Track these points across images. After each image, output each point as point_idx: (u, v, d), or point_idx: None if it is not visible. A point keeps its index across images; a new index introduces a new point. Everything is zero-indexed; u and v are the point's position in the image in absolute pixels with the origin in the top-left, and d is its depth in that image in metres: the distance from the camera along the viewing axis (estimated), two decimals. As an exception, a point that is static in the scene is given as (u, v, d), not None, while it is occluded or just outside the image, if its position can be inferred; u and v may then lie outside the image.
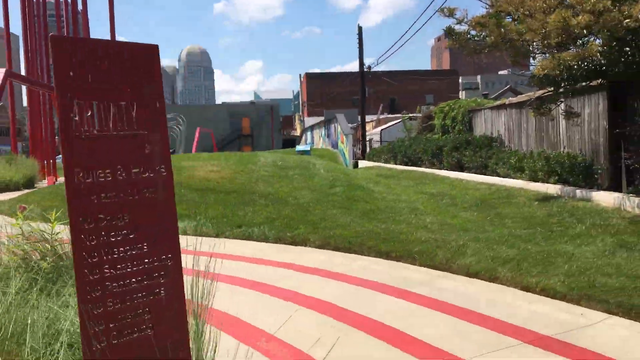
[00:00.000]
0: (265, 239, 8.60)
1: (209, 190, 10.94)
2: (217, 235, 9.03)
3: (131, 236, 2.25)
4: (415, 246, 7.49)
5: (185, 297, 3.63)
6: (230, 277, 6.66)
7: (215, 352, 3.31)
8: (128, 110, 2.29)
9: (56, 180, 26.62)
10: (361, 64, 37.12)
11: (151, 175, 2.35)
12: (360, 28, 37.59)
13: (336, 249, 7.92)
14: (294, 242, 8.37)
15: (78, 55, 2.14)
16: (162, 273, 2.34)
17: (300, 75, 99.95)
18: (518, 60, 11.06)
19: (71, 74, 2.11)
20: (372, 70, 41.39)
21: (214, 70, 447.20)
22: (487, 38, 10.33)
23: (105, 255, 2.16)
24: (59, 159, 34.65)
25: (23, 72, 32.85)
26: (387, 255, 7.46)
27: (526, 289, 6.01)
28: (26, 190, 16.77)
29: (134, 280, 2.25)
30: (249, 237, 8.79)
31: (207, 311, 3.55)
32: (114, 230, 2.20)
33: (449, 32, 10.81)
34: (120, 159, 2.25)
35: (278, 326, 5.00)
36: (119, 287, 2.20)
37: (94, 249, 2.13)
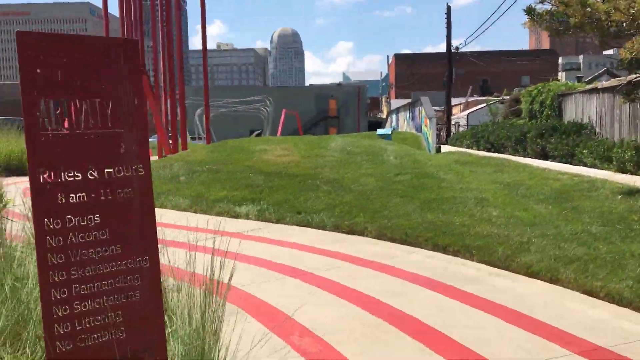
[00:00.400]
0: (323, 227, 8.51)
1: (275, 174, 10.98)
2: (277, 221, 9.05)
3: (102, 237, 2.20)
4: (474, 241, 7.12)
5: (227, 284, 3.61)
6: (278, 264, 6.62)
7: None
8: (102, 107, 2.22)
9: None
10: (449, 44, 35.98)
11: (127, 175, 2.28)
12: (449, 7, 36.37)
13: (392, 240, 7.69)
14: (350, 231, 8.22)
15: (47, 52, 2.09)
16: (137, 275, 2.28)
17: (387, 56, 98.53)
18: (606, 41, 10.17)
19: (38, 70, 2.06)
20: (463, 50, 40.07)
21: (304, 52, 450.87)
22: (570, 18, 9.56)
23: (72, 256, 2.12)
24: (152, 140, 36.34)
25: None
26: (444, 249, 7.15)
27: (589, 293, 5.54)
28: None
29: (104, 282, 2.20)
30: (307, 224, 8.73)
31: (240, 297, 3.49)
32: (83, 231, 2.15)
33: (529, 11, 10.10)
34: (92, 158, 2.20)
35: (312, 318, 4.90)
36: (87, 289, 2.16)
37: (59, 250, 2.09)
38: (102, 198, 2.21)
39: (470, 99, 55.10)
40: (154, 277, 2.32)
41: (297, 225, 8.80)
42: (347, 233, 8.23)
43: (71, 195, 2.13)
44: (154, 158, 23.65)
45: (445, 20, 36.00)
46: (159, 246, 6.65)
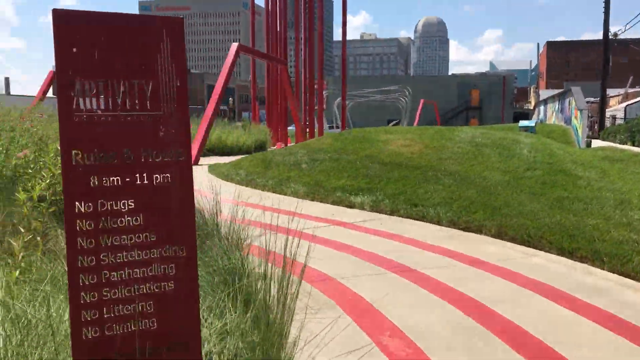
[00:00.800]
0: (438, 222, 8.07)
1: (395, 165, 10.66)
2: (391, 213, 8.76)
3: (136, 224, 2.12)
4: (606, 246, 6.32)
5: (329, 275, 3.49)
6: (384, 259, 6.36)
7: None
8: (141, 88, 2.13)
9: (285, 145, 28.62)
10: (606, 30, 32.88)
11: (165, 159, 2.18)
12: (606, -11, 33.13)
13: (512, 240, 7.08)
14: (467, 228, 7.71)
15: (84, 30, 2.03)
16: (172, 265, 2.18)
17: (538, 44, 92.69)
18: None
19: (74, 49, 2.01)
20: (626, 37, 36.47)
21: (449, 41, 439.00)
22: None
23: (103, 241, 2.06)
24: (291, 128, 37.48)
25: (265, 47, 35.90)
26: (570, 254, 6.43)
27: None
28: (242, 155, 18.34)
29: (136, 270, 2.12)
30: (422, 218, 8.34)
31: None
32: (115, 216, 2.08)
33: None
34: (128, 141, 2.12)
35: (408, 319, 4.60)
36: (117, 276, 2.09)
37: (89, 234, 2.04)
38: (138, 183, 2.12)
39: (630, 90, 50.09)
40: (190, 268, 2.21)
41: (411, 218, 8.44)
42: (464, 230, 7.72)
43: (104, 178, 2.07)
44: (290, 144, 24.25)
45: (604, 3, 32.89)
46: (269, 231, 6.65)
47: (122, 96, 2.10)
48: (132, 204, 2.11)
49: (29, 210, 4.22)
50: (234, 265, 4.37)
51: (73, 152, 2.01)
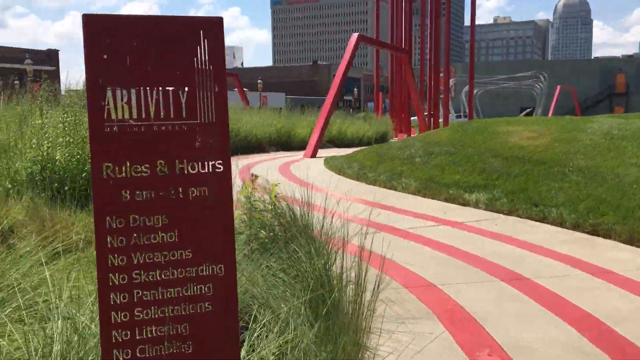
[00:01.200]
0: (561, 224, 7.34)
1: (516, 159, 9.90)
2: (508, 213, 8.13)
3: (170, 240, 1.99)
4: None
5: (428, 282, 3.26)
6: (494, 265, 5.86)
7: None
8: (176, 96, 1.99)
9: (408, 136, 28.15)
10: None
11: (202, 171, 2.02)
12: None
13: (648, 246, 6.23)
14: (593, 232, 6.92)
15: (114, 36, 1.92)
16: (209, 285, 2.02)
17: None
18: None
19: (105, 57, 1.91)
20: None
21: (593, 21, 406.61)
22: None
23: (135, 259, 1.95)
24: (414, 118, 36.75)
25: (389, 36, 35.44)
26: None
27: None
28: (361, 147, 18.15)
29: (170, 290, 1.99)
30: (543, 219, 7.64)
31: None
32: (149, 232, 1.96)
33: None
34: (162, 152, 1.98)
35: (512, 335, 4.16)
36: (150, 296, 1.97)
37: (121, 251, 1.94)
38: (173, 197, 1.99)
39: None
40: (229, 288, 2.04)
41: (530, 219, 7.76)
42: (590, 233, 6.95)
43: (137, 192, 1.95)
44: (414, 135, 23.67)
45: None
46: (373, 230, 6.45)
47: (156, 104, 1.97)
48: (167, 220, 1.98)
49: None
50: (319, 268, 4.18)
51: (104, 164, 1.92)
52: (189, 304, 2.01)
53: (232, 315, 2.05)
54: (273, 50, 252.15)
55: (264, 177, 5.97)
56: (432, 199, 9.36)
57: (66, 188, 6.35)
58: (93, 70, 1.90)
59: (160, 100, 1.97)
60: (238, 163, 15.87)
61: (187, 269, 2.01)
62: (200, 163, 2.01)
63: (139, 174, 1.95)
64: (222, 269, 2.04)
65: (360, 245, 4.23)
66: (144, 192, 1.96)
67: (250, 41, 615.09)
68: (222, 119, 2.03)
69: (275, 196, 4.46)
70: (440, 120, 35.94)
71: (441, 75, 37.44)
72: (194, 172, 2.01)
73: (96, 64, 1.91)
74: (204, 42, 2.01)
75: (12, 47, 56.97)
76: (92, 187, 1.91)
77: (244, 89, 45.61)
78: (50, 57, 58.41)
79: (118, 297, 1.93)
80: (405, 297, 5.08)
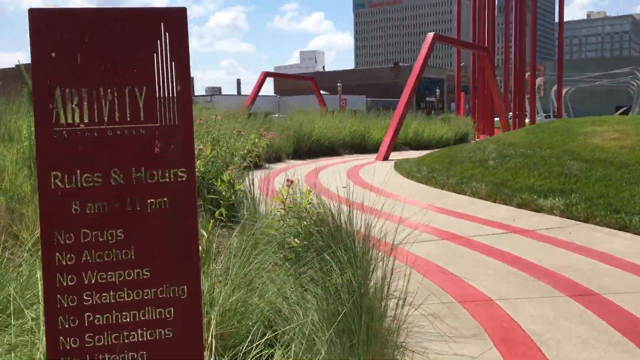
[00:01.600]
0: (643, 233, 6.60)
1: (597, 162, 9.09)
2: (585, 220, 7.43)
3: (126, 258, 1.77)
4: None
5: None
6: (564, 279, 5.30)
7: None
8: (133, 97, 1.77)
9: (489, 136, 27.03)
10: None
11: (162, 180, 1.79)
12: None
13: None
14: (682, 244, 6.15)
15: (64, 31, 1.73)
16: (170, 309, 1.79)
17: None
18: None
19: (53, 54, 1.73)
20: None
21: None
22: None
23: (87, 279, 1.75)
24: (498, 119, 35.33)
25: (470, 35, 34.29)
26: None
27: None
28: (437, 149, 17.52)
29: (125, 313, 1.77)
30: (624, 228, 6.90)
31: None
32: (101, 248, 1.76)
33: None
34: (117, 160, 1.77)
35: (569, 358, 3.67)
36: (103, 320, 1.76)
37: (71, 270, 1.74)
38: (129, 209, 1.78)
39: None
40: (193, 312, 1.80)
41: (610, 227, 7.04)
42: (677, 245, 6.19)
43: (88, 204, 1.76)
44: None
45: None
46: (429, 237, 6.04)
47: (110, 106, 1.77)
48: (122, 235, 1.77)
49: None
50: (351, 280, 3.88)
51: (52, 173, 1.73)
52: (146, 329, 1.79)
53: (196, 343, 1.81)
54: (355, 53, 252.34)
55: (331, 180, 5.74)
56: (503, 204, 8.75)
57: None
58: (40, 70, 1.72)
59: (116, 101, 1.77)
60: (307, 167, 15.79)
61: (145, 291, 1.79)
62: (160, 171, 1.79)
63: (91, 184, 1.76)
64: (185, 290, 1.80)
65: (417, 255, 3.88)
66: (96, 204, 1.76)
67: (333, 45, 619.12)
68: (185, 122, 1.80)
69: (310, 202, 4.20)
70: (527, 120, 34.37)
71: (527, 74, 35.84)
72: (152, 181, 1.79)
73: (44, 62, 1.73)
74: (165, 35, 1.79)
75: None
76: (38, 199, 1.73)
77: (324, 92, 45.76)
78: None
79: (67, 320, 1.74)
80: (456, 313, 4.66)
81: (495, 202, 8.93)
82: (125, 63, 1.78)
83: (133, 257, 1.78)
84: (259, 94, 32.51)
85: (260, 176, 6.13)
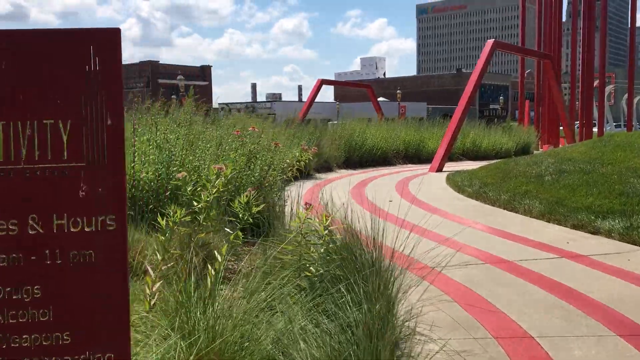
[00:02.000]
0: None
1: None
2: (643, 245, 6.76)
3: (43, 319, 1.52)
4: None
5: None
6: (616, 314, 4.75)
7: None
8: (56, 131, 1.52)
9: (555, 147, 25.88)
10: None
11: (87, 229, 1.53)
12: None
13: None
14: None
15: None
16: (94, 380, 1.53)
17: None
18: None
19: (-38, 83, 1.50)
20: None
21: None
22: None
23: (-3, 342, 1.51)
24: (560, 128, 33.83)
25: (535, 41, 33.00)
26: None
27: None
28: (496, 160, 16.78)
29: (41, 384, 1.52)
30: (692, 256, 6.21)
31: None
32: (15, 308, 1.51)
33: None
34: (35, 205, 1.52)
35: None
36: (16, 392, 1.52)
37: (-21, 331, 1.51)
38: (48, 262, 1.52)
39: None
40: (120, 387, 1.53)
41: (672, 254, 6.37)
42: None
43: (1, 256, 1.52)
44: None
45: None
46: (467, 259, 5.61)
47: (29, 142, 1.52)
48: (39, 292, 1.52)
49: (167, 238, 4.02)
50: (367, 314, 3.53)
51: (-40, 219, 1.50)
52: (66, 404, 1.53)
53: (123, 423, 1.53)
54: (418, 59, 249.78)
55: (377, 192, 5.42)
56: (557, 224, 8.13)
57: (150, 207, 6.27)
58: (-51, 100, 1.50)
59: (35, 137, 1.52)
60: (357, 177, 15.47)
61: (65, 358, 1.53)
62: (85, 219, 1.53)
63: (4, 233, 1.51)
64: (112, 357, 1.53)
65: (452, 278, 3.51)
66: (10, 255, 1.51)
67: (395, 51, 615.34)
68: (115, 161, 1.53)
69: (328, 228, 3.88)
70: (595, 129, 32.77)
71: (596, 81, 34.20)
72: (76, 230, 1.53)
73: (-49, 92, 1.50)
74: (94, 60, 1.53)
75: (171, 65, 62.12)
76: (-55, 249, 1.50)
77: (384, 99, 45.24)
78: (204, 72, 62.72)
79: (-27, 392, 1.50)
80: (489, 351, 4.22)
81: (549, 221, 8.31)
82: (47, 93, 1.53)
83: (51, 319, 1.53)
84: (319, 101, 32.43)
85: (307, 187, 5.87)
